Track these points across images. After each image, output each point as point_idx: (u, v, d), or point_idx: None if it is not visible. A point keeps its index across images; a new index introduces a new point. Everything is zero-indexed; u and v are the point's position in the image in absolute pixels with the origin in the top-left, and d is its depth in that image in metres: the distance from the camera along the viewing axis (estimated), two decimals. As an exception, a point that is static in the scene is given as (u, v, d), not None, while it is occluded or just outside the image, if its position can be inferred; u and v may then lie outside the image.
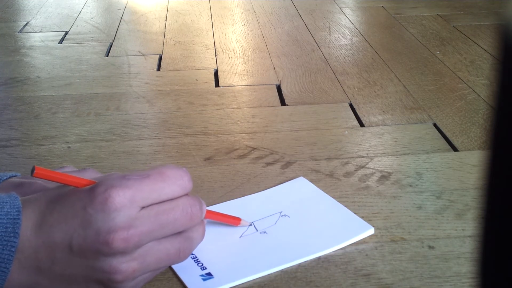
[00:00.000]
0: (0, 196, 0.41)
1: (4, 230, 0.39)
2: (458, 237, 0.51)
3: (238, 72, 0.92)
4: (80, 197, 0.40)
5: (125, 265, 0.40)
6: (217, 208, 0.55)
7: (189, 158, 0.65)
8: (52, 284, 0.41)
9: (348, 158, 0.64)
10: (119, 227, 0.39)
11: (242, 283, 0.46)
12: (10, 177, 0.49)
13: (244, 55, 1.01)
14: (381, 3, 1.30)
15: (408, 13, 1.23)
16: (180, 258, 0.44)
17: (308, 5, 1.31)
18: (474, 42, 1.02)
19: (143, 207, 0.41)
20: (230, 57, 1.00)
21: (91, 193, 0.40)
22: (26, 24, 1.21)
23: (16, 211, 0.39)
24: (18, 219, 0.39)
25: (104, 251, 0.39)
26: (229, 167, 0.63)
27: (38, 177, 0.41)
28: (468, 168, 0.62)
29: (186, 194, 0.44)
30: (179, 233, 0.44)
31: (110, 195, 0.39)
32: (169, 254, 0.43)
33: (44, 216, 0.40)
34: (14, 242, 0.39)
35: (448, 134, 0.69)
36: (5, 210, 0.39)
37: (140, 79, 0.89)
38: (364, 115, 0.75)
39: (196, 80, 0.89)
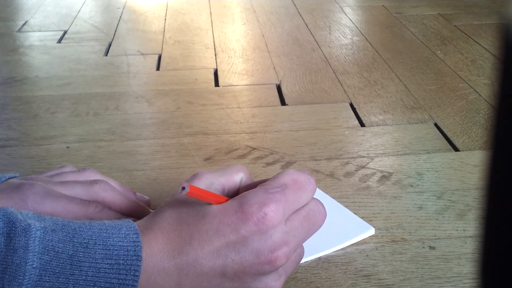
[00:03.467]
0: (112, 221, 0.39)
1: (125, 253, 0.36)
2: (459, 237, 0.51)
3: (238, 71, 0.92)
4: (228, 221, 0.38)
5: (277, 282, 0.40)
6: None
7: (188, 158, 0.65)
8: None
9: (349, 158, 0.64)
10: (279, 244, 0.38)
11: (242, 284, 0.46)
12: (9, 178, 0.49)
13: (244, 54, 1.00)
14: (382, 2, 1.30)
15: (409, 12, 1.22)
16: (301, 259, 0.44)
17: (309, 4, 1.31)
18: (475, 42, 1.02)
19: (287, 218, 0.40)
20: (229, 56, 0.99)
21: (243, 214, 0.38)
22: (25, 23, 1.21)
23: (134, 233, 0.37)
24: (138, 241, 0.37)
25: (266, 270, 0.39)
26: (228, 167, 0.62)
27: (190, 196, 0.38)
28: (469, 168, 0.61)
29: None
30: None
31: (266, 213, 0.38)
32: (296, 260, 0.43)
33: (180, 245, 0.38)
34: (138, 266, 0.36)
35: (449, 134, 0.69)
36: (123, 232, 0.37)
37: (140, 79, 0.89)
38: (365, 115, 0.75)
39: (196, 79, 0.89)
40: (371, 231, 0.51)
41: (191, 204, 0.40)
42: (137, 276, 0.36)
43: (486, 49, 0.98)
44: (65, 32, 1.14)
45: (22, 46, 1.06)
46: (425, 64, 0.92)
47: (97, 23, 1.21)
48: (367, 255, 0.49)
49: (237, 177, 0.45)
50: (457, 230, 0.52)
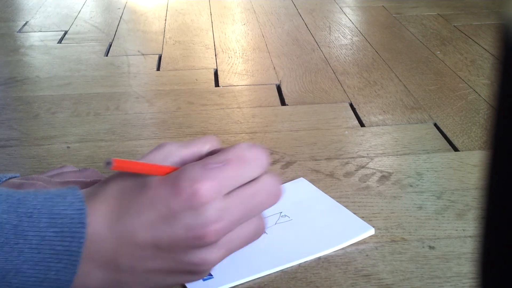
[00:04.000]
0: (58, 189, 0.39)
1: (71, 221, 0.37)
2: (458, 237, 0.51)
3: (238, 72, 0.92)
4: (162, 192, 0.38)
5: (213, 256, 0.40)
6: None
7: (188, 158, 0.65)
8: (134, 280, 0.40)
9: (348, 158, 0.64)
10: (210, 221, 0.38)
11: (242, 283, 0.46)
12: (9, 178, 0.49)
13: (244, 54, 1.00)
14: (382, 2, 1.30)
15: (409, 12, 1.23)
16: (257, 236, 0.43)
17: (308, 5, 1.31)
18: (475, 42, 1.02)
19: (227, 194, 0.40)
20: (230, 56, 0.99)
21: (174, 189, 0.38)
22: (25, 23, 1.21)
23: (80, 201, 0.38)
24: (83, 208, 0.37)
25: (196, 245, 0.39)
26: (229, 167, 0.62)
27: (116, 170, 0.39)
28: (468, 168, 0.61)
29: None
30: None
31: (196, 190, 0.37)
32: (249, 234, 0.42)
33: (120, 211, 0.38)
34: (82, 233, 0.37)
35: (448, 134, 0.69)
36: (68, 200, 0.38)
37: (140, 79, 0.89)
38: (365, 115, 0.75)
39: (196, 80, 0.89)
40: (371, 231, 0.51)
41: (136, 175, 0.40)
42: (81, 242, 0.37)
43: (485, 49, 0.99)
44: (65, 33, 1.14)
45: (23, 46, 1.07)
46: (424, 65, 0.93)
47: (98, 23, 1.21)
48: (367, 255, 0.49)
49: (204, 148, 0.43)
50: (456, 230, 0.52)
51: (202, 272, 0.41)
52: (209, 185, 0.38)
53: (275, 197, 0.42)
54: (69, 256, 0.37)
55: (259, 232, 0.43)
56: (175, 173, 0.39)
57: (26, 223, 0.37)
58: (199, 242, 0.38)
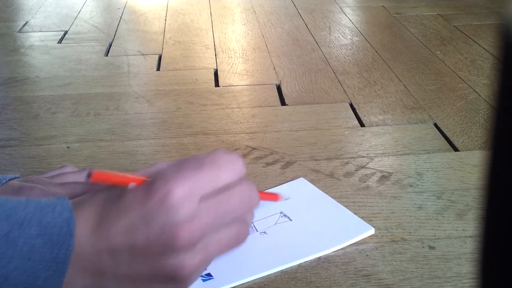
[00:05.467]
0: (48, 198, 0.40)
1: (59, 231, 0.38)
2: (458, 237, 0.51)
3: (238, 72, 0.92)
4: (137, 196, 0.39)
5: (190, 261, 0.40)
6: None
7: (188, 158, 0.65)
8: (118, 286, 0.40)
9: (349, 158, 0.64)
10: (183, 221, 0.38)
11: (242, 284, 0.46)
12: (9, 179, 0.49)
13: (244, 54, 1.00)
14: (382, 2, 1.30)
15: (409, 12, 1.23)
16: (238, 242, 0.43)
17: (308, 5, 1.31)
18: (475, 42, 1.02)
19: (201, 197, 0.40)
20: (230, 56, 0.99)
21: (149, 190, 0.39)
22: (26, 23, 1.21)
23: (68, 211, 0.39)
24: (71, 218, 0.38)
25: (170, 247, 0.39)
26: (228, 167, 0.62)
27: (95, 182, 0.40)
28: (468, 168, 0.61)
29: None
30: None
31: (169, 190, 0.38)
32: (229, 240, 0.42)
33: (101, 218, 0.39)
34: (70, 242, 0.38)
35: (448, 134, 0.69)
36: (57, 210, 0.39)
37: (140, 79, 0.89)
38: (365, 115, 0.75)
39: (196, 80, 0.89)
40: (371, 231, 0.51)
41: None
42: (69, 251, 0.38)
43: (485, 49, 0.99)
44: (65, 33, 1.14)
45: (23, 46, 1.07)
46: (424, 65, 0.93)
47: (98, 23, 1.21)
48: (367, 255, 0.49)
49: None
50: (456, 230, 0.52)
51: (184, 278, 0.40)
52: (181, 186, 0.39)
53: (250, 204, 0.43)
54: (57, 264, 0.38)
55: (240, 238, 0.43)
56: (152, 175, 0.41)
57: (17, 231, 0.37)
58: (172, 244, 0.38)
